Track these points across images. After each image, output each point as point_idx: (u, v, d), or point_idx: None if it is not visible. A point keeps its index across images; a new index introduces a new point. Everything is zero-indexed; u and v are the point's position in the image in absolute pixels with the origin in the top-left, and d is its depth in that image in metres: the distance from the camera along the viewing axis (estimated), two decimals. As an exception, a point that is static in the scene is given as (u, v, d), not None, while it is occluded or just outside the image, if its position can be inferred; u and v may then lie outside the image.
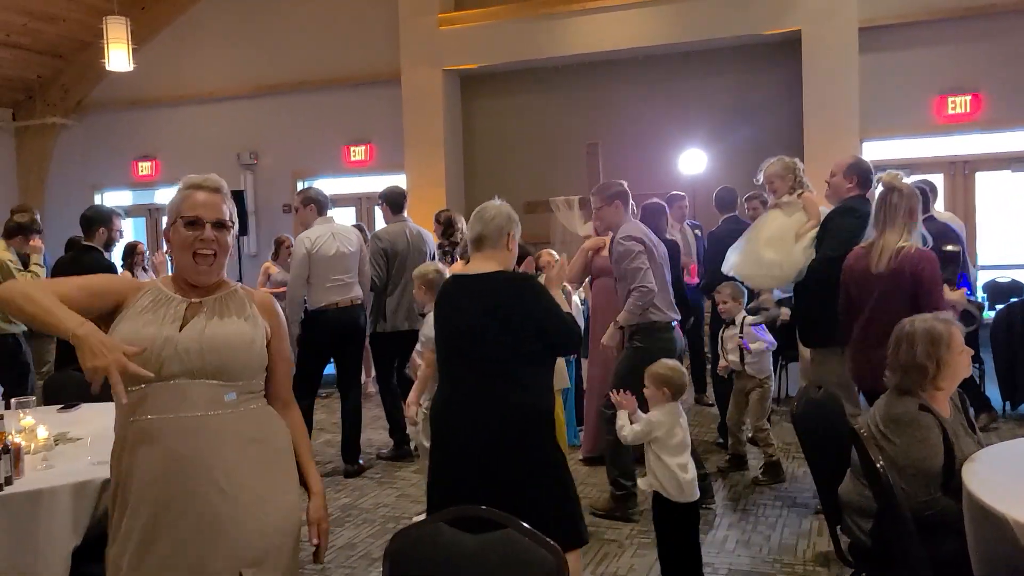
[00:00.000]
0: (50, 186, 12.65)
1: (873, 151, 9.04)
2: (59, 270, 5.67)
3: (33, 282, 1.99)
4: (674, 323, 4.72)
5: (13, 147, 13.04)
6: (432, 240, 6.46)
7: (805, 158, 8.30)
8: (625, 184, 4.93)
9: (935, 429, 2.79)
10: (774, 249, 4.74)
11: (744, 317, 5.27)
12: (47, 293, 2.00)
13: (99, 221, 5.72)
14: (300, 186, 11.67)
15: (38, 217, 6.32)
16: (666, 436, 3.56)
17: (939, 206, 6.58)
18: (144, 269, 7.97)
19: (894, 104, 8.86)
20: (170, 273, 2.30)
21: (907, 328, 2.93)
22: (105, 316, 2.13)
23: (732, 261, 5.00)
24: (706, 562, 4.01)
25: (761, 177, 4.95)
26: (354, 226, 7.11)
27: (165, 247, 2.23)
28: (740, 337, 5.24)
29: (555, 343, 3.01)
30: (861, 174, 4.56)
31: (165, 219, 2.28)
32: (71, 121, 12.71)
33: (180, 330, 2.10)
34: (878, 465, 2.61)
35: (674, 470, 3.50)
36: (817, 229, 4.61)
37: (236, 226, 2.28)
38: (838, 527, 3.09)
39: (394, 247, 6.02)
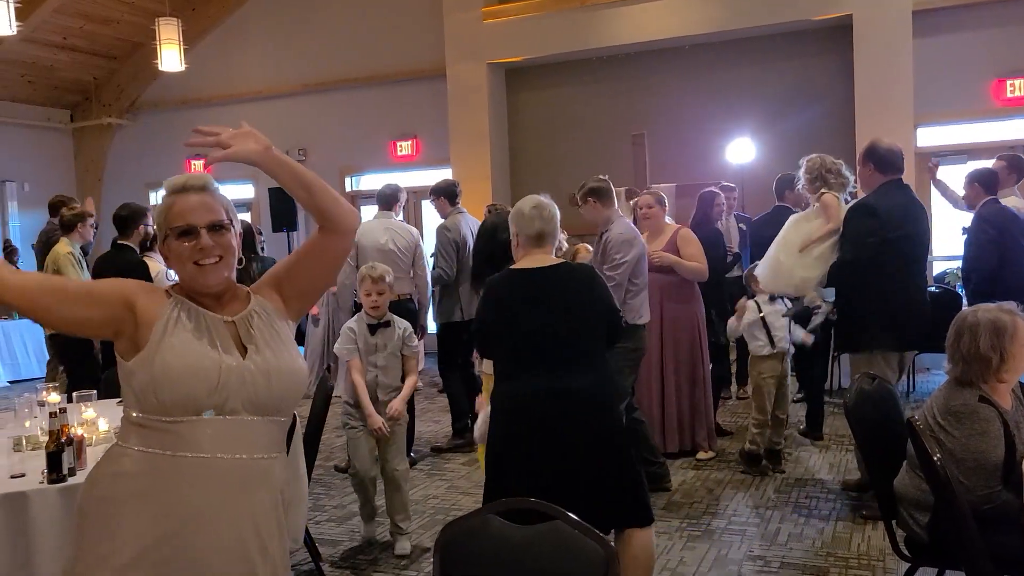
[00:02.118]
0: (107, 185, 12.97)
1: (928, 137, 8.83)
2: (96, 269, 5.76)
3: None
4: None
5: (71, 148, 13.40)
6: None
7: (857, 146, 8.14)
8: (605, 179, 4.90)
9: (996, 421, 2.72)
10: (786, 255, 4.70)
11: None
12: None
13: (134, 219, 5.76)
14: (348, 182, 11.83)
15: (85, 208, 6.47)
16: None
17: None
18: None
19: (950, 88, 8.62)
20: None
21: (970, 318, 2.85)
22: (117, 322, 1.86)
23: (764, 280, 4.98)
24: (758, 555, 3.98)
25: (800, 174, 4.86)
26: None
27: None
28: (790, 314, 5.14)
29: (612, 333, 3.14)
30: (877, 158, 4.43)
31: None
32: (126, 121, 13.01)
33: (244, 357, 1.88)
34: (935, 458, 2.56)
35: None
36: (827, 234, 4.53)
37: (237, 223, 2.01)
38: (893, 521, 3.03)
39: (463, 237, 6.11)
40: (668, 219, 5.69)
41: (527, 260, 3.13)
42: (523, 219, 3.13)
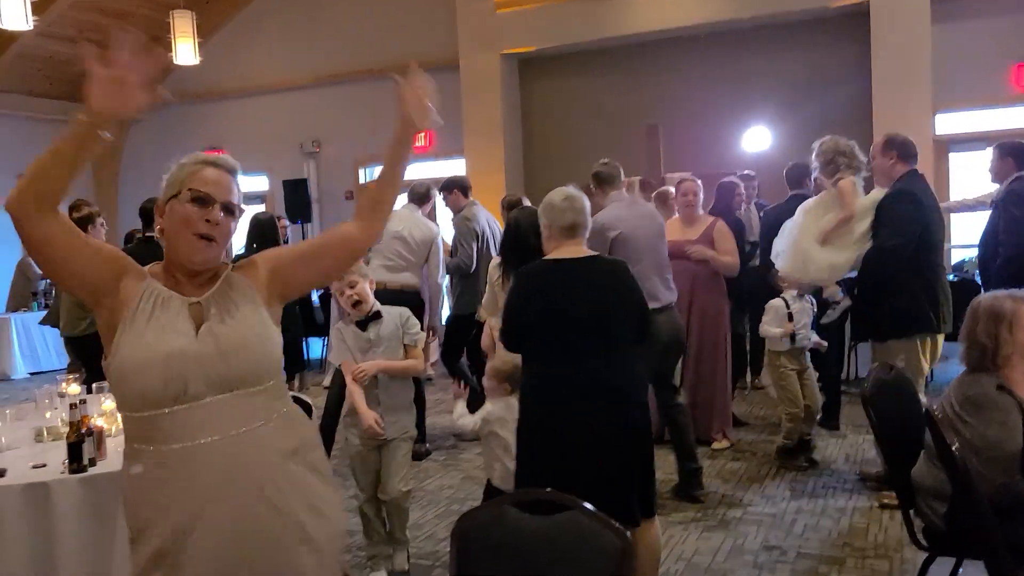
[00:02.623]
0: (123, 179, 13.04)
1: (947, 124, 8.74)
2: None
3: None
4: (665, 306, 4.63)
5: (87, 141, 13.48)
6: (496, 221, 6.51)
7: (875, 134, 8.06)
8: (607, 162, 4.83)
9: (1014, 411, 2.70)
10: (811, 242, 4.61)
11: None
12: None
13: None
14: (362, 174, 11.85)
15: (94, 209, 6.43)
16: (502, 430, 3.42)
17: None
18: None
19: (969, 75, 8.52)
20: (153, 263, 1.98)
21: (974, 303, 2.87)
22: (104, 286, 1.85)
23: (777, 250, 4.87)
24: (774, 545, 3.97)
25: (813, 158, 4.79)
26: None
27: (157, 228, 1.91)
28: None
29: (642, 328, 3.15)
30: (899, 147, 4.41)
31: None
32: (141, 115, 13.04)
33: (196, 336, 1.85)
34: (954, 447, 2.55)
35: (507, 464, 3.37)
36: (842, 222, 4.49)
37: (242, 215, 2.02)
38: (911, 510, 3.02)
39: (482, 228, 6.12)
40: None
41: (561, 251, 3.12)
42: (555, 211, 3.13)
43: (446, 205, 6.47)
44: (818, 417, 5.57)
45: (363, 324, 3.62)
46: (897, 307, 4.31)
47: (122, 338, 1.81)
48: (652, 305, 4.41)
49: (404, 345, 3.69)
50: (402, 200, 6.12)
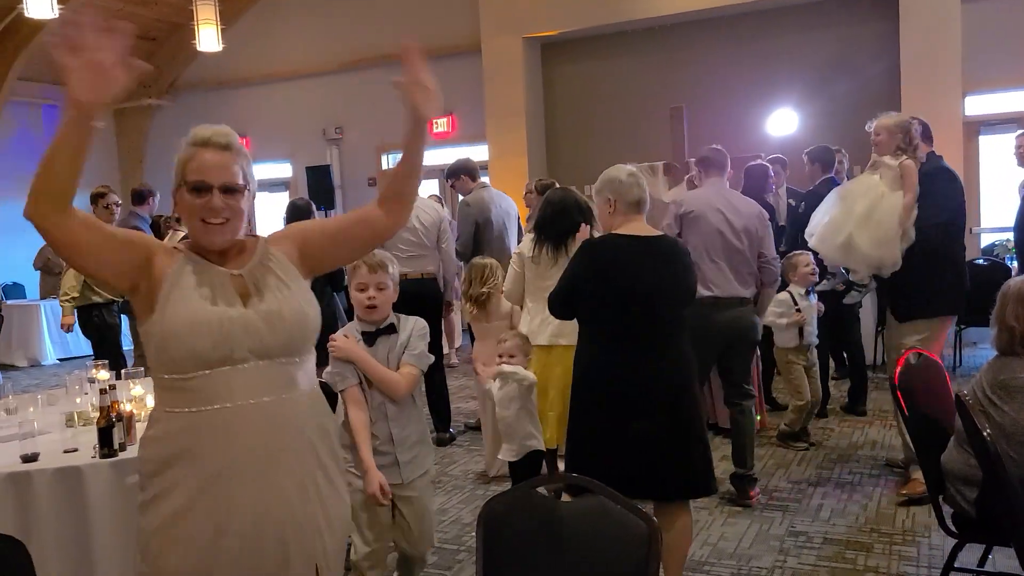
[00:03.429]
0: (148, 165, 13.15)
1: (977, 105, 8.60)
2: None
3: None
4: (733, 298, 4.44)
5: (113, 129, 13.60)
6: (515, 205, 6.48)
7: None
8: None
9: (1047, 396, 2.66)
10: (870, 235, 4.26)
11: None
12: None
13: None
14: (384, 159, 11.87)
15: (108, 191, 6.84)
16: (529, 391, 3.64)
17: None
18: None
19: (999, 55, 8.38)
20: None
21: (1004, 287, 2.84)
22: (136, 271, 1.88)
23: (820, 233, 4.53)
24: (800, 531, 3.95)
25: (872, 125, 4.45)
26: (432, 197, 7.20)
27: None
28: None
29: (685, 309, 3.22)
30: (920, 130, 4.38)
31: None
32: (165, 102, 13.16)
33: (245, 306, 1.90)
34: (985, 432, 2.51)
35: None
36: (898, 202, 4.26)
37: (254, 184, 1.99)
38: (940, 496, 2.99)
39: (483, 213, 6.07)
40: None
41: (631, 227, 3.14)
42: (622, 186, 3.16)
43: (455, 191, 6.44)
44: (816, 411, 5.48)
45: (371, 337, 2.92)
46: (931, 285, 4.22)
47: (168, 301, 1.84)
48: (708, 294, 4.24)
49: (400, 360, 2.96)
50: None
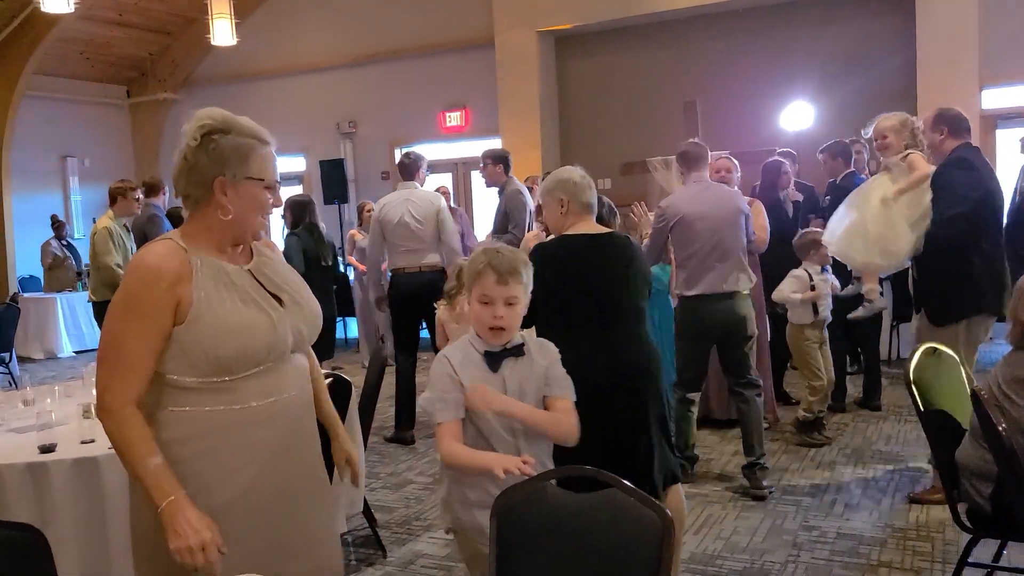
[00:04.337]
0: (163, 160, 13.22)
1: (994, 99, 8.52)
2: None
3: (136, 423, 1.84)
4: (724, 293, 4.49)
5: (129, 123, 13.69)
6: None
7: (919, 108, 7.89)
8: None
9: (1063, 391, 2.64)
10: (882, 227, 4.25)
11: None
12: (145, 444, 1.82)
13: None
14: (397, 153, 11.87)
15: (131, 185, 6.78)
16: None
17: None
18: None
19: (1017, 47, 8.29)
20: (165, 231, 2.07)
21: (1020, 281, 2.82)
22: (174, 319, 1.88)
23: (838, 236, 4.50)
24: (813, 526, 3.95)
25: (871, 131, 4.59)
26: (441, 189, 7.19)
27: (225, 200, 1.91)
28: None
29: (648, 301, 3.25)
30: (949, 122, 4.18)
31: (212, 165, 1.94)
32: (180, 96, 13.22)
33: (282, 304, 1.99)
34: (1000, 427, 2.50)
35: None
36: (919, 180, 4.17)
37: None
38: (954, 492, 2.97)
39: (528, 204, 6.13)
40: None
41: (582, 227, 3.13)
42: (576, 187, 3.14)
43: (484, 176, 6.43)
44: (858, 398, 5.50)
45: (495, 360, 2.30)
46: (960, 284, 4.04)
47: (204, 314, 1.86)
48: (707, 291, 4.40)
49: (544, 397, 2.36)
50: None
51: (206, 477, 1.89)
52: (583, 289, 3.03)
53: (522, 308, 2.27)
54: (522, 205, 6.09)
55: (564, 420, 2.26)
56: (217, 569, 1.79)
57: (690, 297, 4.49)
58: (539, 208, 6.47)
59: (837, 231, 4.51)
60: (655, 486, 3.01)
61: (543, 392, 2.29)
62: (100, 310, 6.49)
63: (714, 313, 4.42)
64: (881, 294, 4.68)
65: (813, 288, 5.06)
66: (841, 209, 4.57)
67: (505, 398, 2.21)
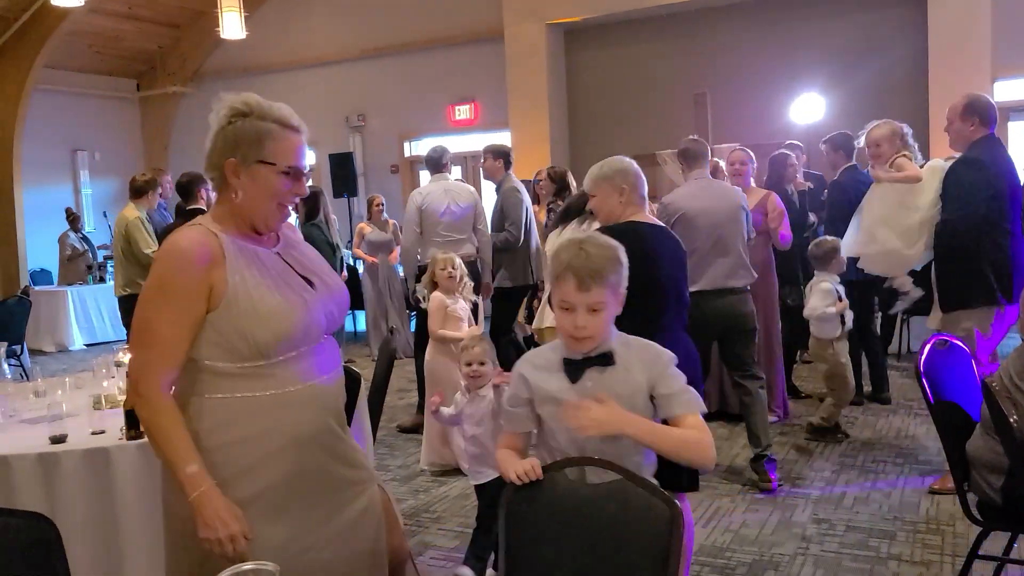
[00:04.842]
0: (172, 153, 13.27)
1: (1006, 91, 8.47)
2: (162, 238, 5.97)
3: (169, 411, 1.86)
4: (725, 289, 4.54)
5: (139, 116, 13.73)
6: None
7: (930, 100, 7.87)
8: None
9: (1075, 383, 2.63)
10: (889, 229, 4.44)
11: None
12: (177, 433, 1.83)
13: (196, 183, 5.97)
14: (406, 147, 11.89)
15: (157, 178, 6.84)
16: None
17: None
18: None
19: (1030, 39, 8.25)
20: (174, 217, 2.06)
21: None
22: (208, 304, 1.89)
23: (850, 245, 4.76)
24: (822, 519, 3.94)
25: (862, 140, 4.69)
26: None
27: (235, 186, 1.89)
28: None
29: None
30: (981, 112, 4.20)
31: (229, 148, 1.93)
32: (190, 89, 13.25)
33: (313, 287, 1.99)
34: (1012, 419, 2.49)
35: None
36: (909, 179, 4.38)
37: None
38: (965, 484, 2.96)
39: (526, 201, 6.12)
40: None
41: (640, 217, 3.19)
42: (638, 179, 3.18)
43: (483, 169, 6.43)
44: (866, 391, 5.48)
45: (576, 369, 2.00)
46: (963, 277, 4.16)
47: (238, 298, 1.86)
48: (708, 286, 4.43)
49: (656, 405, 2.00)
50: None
51: (244, 464, 1.89)
52: (652, 277, 2.99)
53: (612, 311, 1.97)
54: (518, 202, 6.04)
55: (699, 442, 1.90)
56: (247, 556, 1.78)
57: (691, 293, 4.46)
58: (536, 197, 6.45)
59: (848, 241, 4.75)
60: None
61: (653, 412, 1.96)
62: (129, 305, 6.24)
63: (715, 308, 4.42)
64: (914, 283, 4.69)
65: (840, 299, 4.95)
66: (853, 223, 4.76)
67: (634, 421, 1.88)
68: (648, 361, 1.98)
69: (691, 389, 1.97)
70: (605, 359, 1.97)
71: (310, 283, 1.99)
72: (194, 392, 1.90)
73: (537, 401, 2.02)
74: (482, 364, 3.23)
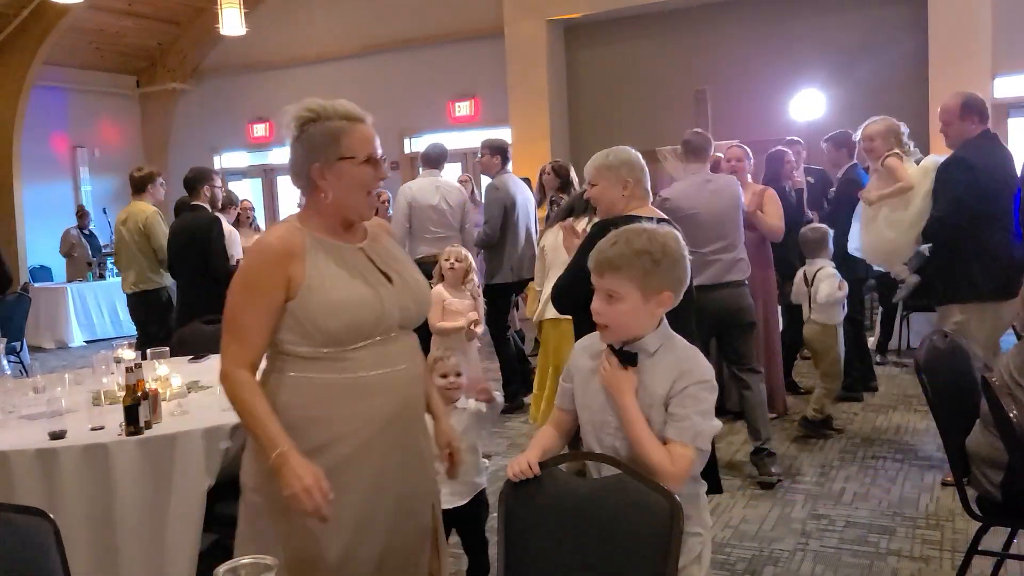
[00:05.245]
0: (172, 149, 13.26)
1: (1006, 87, 8.46)
2: (174, 231, 5.88)
3: (248, 385, 2.00)
4: (725, 283, 4.55)
5: (139, 113, 13.72)
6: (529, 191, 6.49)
7: (930, 96, 7.86)
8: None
9: (1073, 378, 2.62)
10: (884, 223, 4.49)
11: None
12: (256, 401, 1.97)
13: (201, 180, 5.88)
14: (407, 143, 11.88)
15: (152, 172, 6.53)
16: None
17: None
18: (252, 226, 7.95)
19: (1030, 35, 8.23)
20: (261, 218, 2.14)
21: None
22: (286, 292, 2.00)
23: (857, 244, 4.77)
24: (822, 514, 3.94)
25: (859, 135, 4.68)
26: (464, 177, 7.19)
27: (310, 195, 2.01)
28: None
29: None
30: (979, 109, 4.19)
31: (304, 155, 2.04)
32: (189, 86, 13.24)
33: (391, 283, 2.09)
34: (1011, 414, 2.49)
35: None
36: (900, 192, 4.38)
37: None
38: (965, 479, 2.96)
39: (511, 197, 6.06)
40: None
41: (647, 211, 3.06)
42: (642, 172, 3.09)
43: (480, 165, 6.42)
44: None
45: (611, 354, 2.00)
46: (950, 272, 4.20)
47: (320, 285, 1.99)
48: (708, 281, 4.41)
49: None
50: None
51: (317, 441, 2.00)
52: None
53: (635, 306, 1.92)
54: (494, 200, 6.01)
55: (662, 468, 1.84)
56: (327, 512, 1.89)
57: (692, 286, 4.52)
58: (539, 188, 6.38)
59: (854, 239, 4.75)
60: None
61: (662, 428, 1.90)
62: (142, 300, 6.12)
63: (715, 302, 4.40)
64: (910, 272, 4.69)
65: (840, 282, 4.98)
66: (855, 222, 4.77)
67: (620, 388, 1.92)
68: (674, 375, 1.92)
69: (699, 420, 1.88)
70: (628, 358, 1.94)
71: (388, 278, 2.09)
72: (281, 371, 2.05)
73: (575, 379, 2.09)
74: (458, 375, 3.08)
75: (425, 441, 2.21)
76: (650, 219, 3.01)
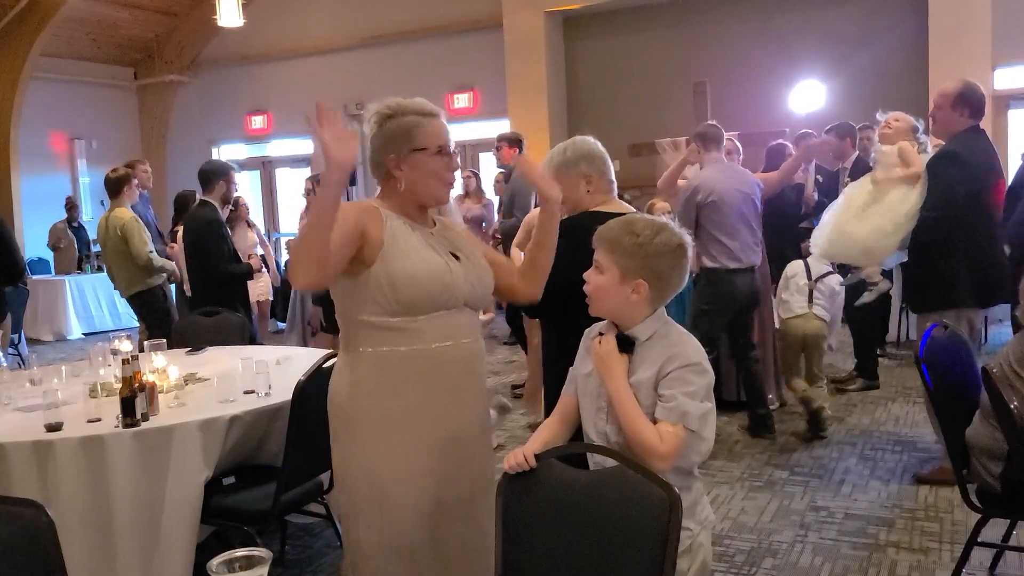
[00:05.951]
0: (170, 141, 13.22)
1: (1006, 79, 8.43)
2: (186, 227, 5.75)
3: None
4: (748, 268, 4.81)
5: (136, 105, 13.67)
6: None
7: (930, 88, 7.82)
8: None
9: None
10: (864, 229, 4.20)
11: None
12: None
13: (217, 174, 5.73)
14: (406, 135, 11.85)
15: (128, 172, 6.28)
16: None
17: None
18: (248, 224, 7.77)
19: (1030, 27, 8.20)
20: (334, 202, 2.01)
21: None
22: (356, 243, 2.08)
23: (820, 245, 4.45)
24: (821, 506, 3.93)
25: (884, 116, 4.50)
26: (465, 176, 7.18)
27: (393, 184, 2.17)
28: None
29: None
30: (973, 104, 4.03)
31: (378, 148, 2.23)
32: (187, 78, 13.20)
33: (458, 260, 2.21)
34: (1012, 406, 2.48)
35: None
36: (910, 178, 4.14)
37: None
38: (964, 471, 2.96)
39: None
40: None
41: (613, 207, 2.75)
42: (604, 163, 2.78)
43: (498, 158, 6.55)
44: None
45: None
46: (937, 279, 4.02)
47: (395, 253, 2.11)
48: (734, 266, 4.74)
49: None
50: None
51: (388, 409, 2.14)
52: None
53: (609, 280, 1.93)
54: (528, 189, 6.08)
55: (649, 438, 1.83)
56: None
57: (721, 270, 4.75)
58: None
59: (818, 237, 4.47)
60: None
61: (651, 412, 1.88)
62: (140, 301, 6.05)
63: (742, 285, 4.75)
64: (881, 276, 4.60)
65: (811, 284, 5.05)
66: (824, 215, 4.54)
67: (615, 371, 1.91)
68: (663, 359, 1.90)
69: (686, 400, 1.85)
70: (625, 344, 1.94)
71: (457, 258, 2.22)
72: (356, 346, 2.17)
73: (576, 363, 2.09)
74: None
75: (485, 413, 2.33)
76: (620, 215, 2.80)
